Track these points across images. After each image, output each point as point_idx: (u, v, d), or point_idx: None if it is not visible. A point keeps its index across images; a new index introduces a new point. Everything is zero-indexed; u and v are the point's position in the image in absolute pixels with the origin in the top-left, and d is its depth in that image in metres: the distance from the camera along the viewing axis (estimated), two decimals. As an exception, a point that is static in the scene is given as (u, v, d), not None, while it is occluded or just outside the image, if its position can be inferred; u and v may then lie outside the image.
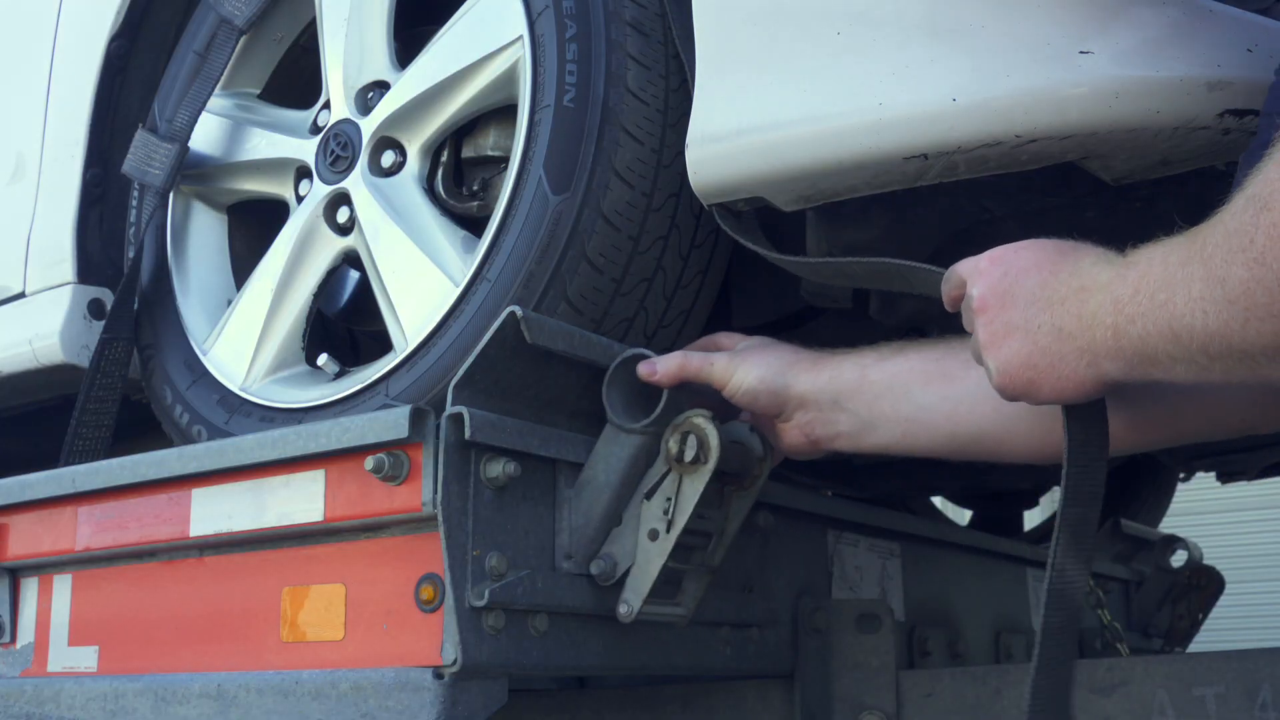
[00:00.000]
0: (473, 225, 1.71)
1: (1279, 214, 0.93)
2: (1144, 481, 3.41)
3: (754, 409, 1.47)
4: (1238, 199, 0.98)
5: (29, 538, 1.72)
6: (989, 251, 1.21)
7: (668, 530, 1.37)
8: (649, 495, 1.40)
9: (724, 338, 1.57)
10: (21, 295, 2.20)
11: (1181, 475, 3.32)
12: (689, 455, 1.37)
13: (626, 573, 1.40)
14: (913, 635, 2.06)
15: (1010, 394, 1.18)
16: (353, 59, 1.84)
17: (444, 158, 1.79)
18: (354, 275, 2.03)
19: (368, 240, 1.73)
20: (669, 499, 1.38)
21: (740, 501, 1.48)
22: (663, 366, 1.42)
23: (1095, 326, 1.09)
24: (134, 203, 2.04)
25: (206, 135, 2.00)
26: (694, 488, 1.38)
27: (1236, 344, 0.99)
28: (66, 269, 2.14)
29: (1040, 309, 1.14)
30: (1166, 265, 1.04)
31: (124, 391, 1.98)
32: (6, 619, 1.75)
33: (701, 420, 1.38)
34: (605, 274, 1.54)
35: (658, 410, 1.37)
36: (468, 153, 1.80)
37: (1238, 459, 2.88)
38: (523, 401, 1.40)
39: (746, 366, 1.46)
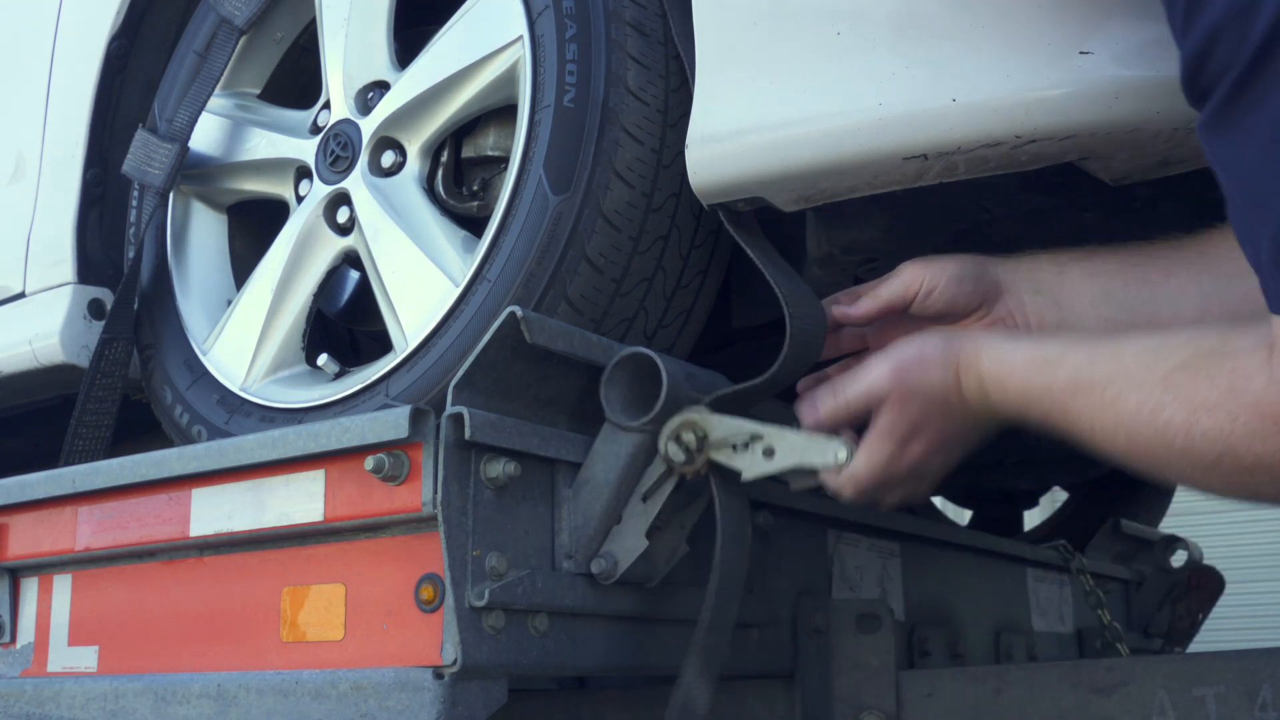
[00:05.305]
0: (473, 225, 1.71)
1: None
2: (1144, 481, 3.41)
3: (954, 304, 1.39)
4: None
5: (29, 538, 1.72)
6: (886, 368, 1.30)
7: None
8: (646, 497, 1.40)
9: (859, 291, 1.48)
10: (21, 295, 2.20)
11: (1182, 475, 3.31)
12: (690, 447, 1.37)
13: (628, 571, 1.40)
14: (913, 635, 2.06)
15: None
16: (353, 59, 1.84)
17: (444, 158, 1.79)
18: (354, 275, 2.03)
19: (368, 240, 1.73)
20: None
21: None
22: (857, 307, 1.42)
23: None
24: (134, 203, 2.04)
25: (206, 135, 2.00)
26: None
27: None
28: (66, 269, 2.14)
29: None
30: (1118, 360, 1.12)
31: (124, 391, 1.98)
32: (6, 619, 1.75)
33: (694, 413, 1.38)
34: (605, 274, 1.54)
35: (656, 408, 1.37)
36: (468, 153, 1.80)
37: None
38: (523, 401, 1.40)
39: (938, 263, 1.40)
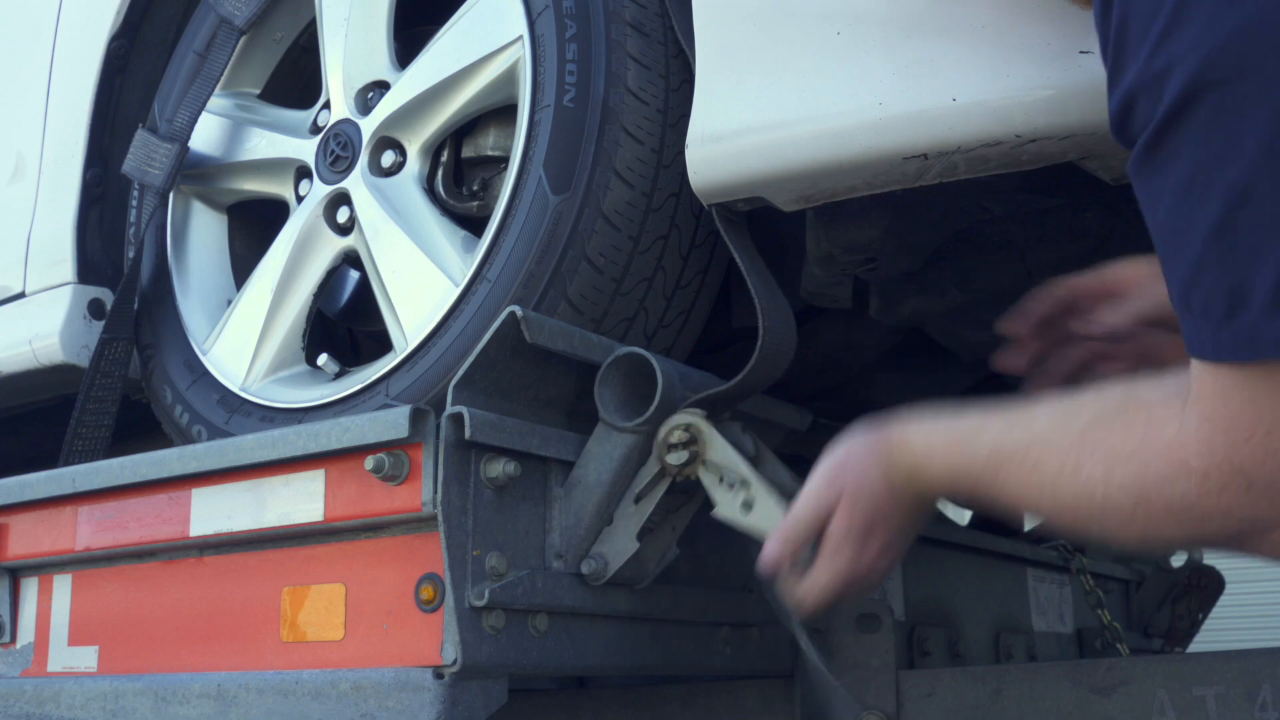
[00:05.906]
0: (473, 225, 1.71)
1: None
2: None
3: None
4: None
5: (29, 538, 1.72)
6: (820, 477, 1.28)
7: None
8: (638, 498, 1.40)
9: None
10: (21, 295, 2.20)
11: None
12: (685, 454, 1.37)
13: (618, 573, 1.40)
14: (913, 635, 2.06)
15: None
16: (353, 59, 1.84)
17: (444, 158, 1.79)
18: (354, 275, 2.03)
19: (368, 240, 1.73)
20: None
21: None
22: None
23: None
24: (134, 203, 2.04)
25: (206, 135, 2.00)
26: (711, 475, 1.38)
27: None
28: (66, 269, 2.14)
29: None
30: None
31: (124, 391, 1.98)
32: (6, 619, 1.75)
33: (695, 418, 1.38)
34: (605, 274, 1.54)
35: (651, 409, 1.37)
36: (468, 153, 1.80)
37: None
38: (522, 401, 1.40)
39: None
